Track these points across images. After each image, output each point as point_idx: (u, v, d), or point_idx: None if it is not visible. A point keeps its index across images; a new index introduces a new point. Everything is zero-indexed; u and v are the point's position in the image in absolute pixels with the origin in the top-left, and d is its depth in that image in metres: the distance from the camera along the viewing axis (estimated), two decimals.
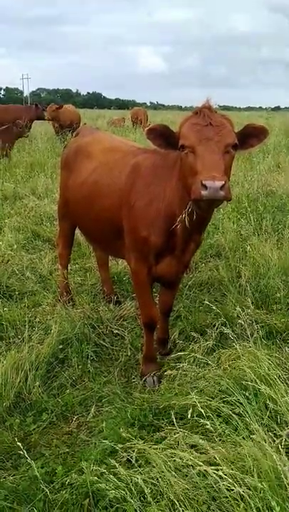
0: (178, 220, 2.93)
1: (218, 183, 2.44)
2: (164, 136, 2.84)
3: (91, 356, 3.65)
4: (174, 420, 2.62)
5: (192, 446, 2.57)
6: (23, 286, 4.85)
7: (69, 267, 4.88)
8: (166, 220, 3.07)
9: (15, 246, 5.71)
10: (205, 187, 2.45)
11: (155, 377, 3.41)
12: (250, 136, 2.84)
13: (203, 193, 2.46)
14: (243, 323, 3.30)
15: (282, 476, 2.06)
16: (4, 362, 3.31)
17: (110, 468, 2.36)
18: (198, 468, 2.10)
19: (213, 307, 3.54)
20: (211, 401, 2.80)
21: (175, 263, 3.26)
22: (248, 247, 5.17)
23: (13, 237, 6.01)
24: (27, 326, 3.82)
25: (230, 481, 1.96)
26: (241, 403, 2.64)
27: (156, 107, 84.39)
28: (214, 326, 3.76)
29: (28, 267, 5.29)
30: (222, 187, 2.44)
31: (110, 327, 4.13)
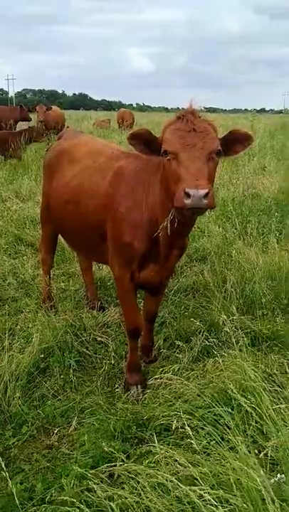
0: (160, 227, 2.87)
1: (202, 192, 2.38)
2: (146, 142, 2.77)
3: (73, 365, 3.56)
4: (158, 434, 2.56)
5: (175, 460, 2.50)
6: (4, 292, 4.75)
7: (52, 272, 4.79)
8: (149, 225, 3.01)
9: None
10: (188, 195, 2.39)
11: (139, 387, 3.34)
12: (235, 142, 2.79)
13: (186, 201, 2.40)
14: (228, 330, 3.24)
15: (265, 492, 2.00)
16: None
17: (91, 485, 2.28)
18: (180, 489, 2.02)
19: (198, 316, 3.48)
20: (195, 412, 2.75)
21: (159, 269, 3.20)
22: (234, 252, 5.13)
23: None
24: (7, 334, 3.72)
25: (213, 502, 1.89)
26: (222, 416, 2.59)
27: (142, 108, 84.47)
28: (199, 332, 3.70)
29: (10, 272, 5.19)
30: (206, 195, 2.38)
31: (94, 334, 4.04)
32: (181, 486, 1.99)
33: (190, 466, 2.20)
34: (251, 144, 2.81)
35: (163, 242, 3.01)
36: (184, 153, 2.53)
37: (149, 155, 2.81)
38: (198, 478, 2.09)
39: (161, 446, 2.51)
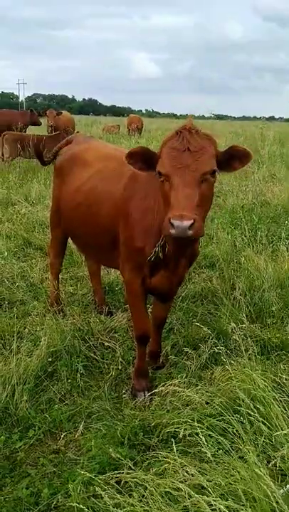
0: (152, 253, 2.94)
1: (186, 223, 2.35)
2: (144, 159, 2.74)
3: (81, 370, 3.55)
4: (165, 442, 2.54)
5: (182, 468, 2.48)
6: (12, 295, 4.75)
7: (60, 276, 4.79)
8: (159, 232, 3.00)
9: (6, 253, 5.60)
10: (173, 225, 2.38)
11: (146, 393, 3.32)
12: (234, 158, 2.73)
13: (171, 231, 2.40)
14: (237, 338, 3.22)
15: (275, 503, 1.98)
16: None
17: (98, 492, 2.26)
18: (190, 499, 1.99)
19: (207, 323, 3.46)
20: (203, 420, 2.72)
21: (169, 275, 3.18)
22: (243, 259, 5.10)
23: (4, 245, 5.91)
24: (15, 337, 3.72)
25: (223, 510, 1.87)
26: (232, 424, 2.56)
27: (151, 114, 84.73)
28: (207, 340, 3.68)
29: (18, 275, 5.19)
30: (191, 226, 2.36)
31: (101, 339, 4.03)
32: (192, 495, 1.96)
33: (199, 474, 2.17)
34: (249, 162, 2.75)
35: (170, 251, 3.00)
36: (176, 176, 2.49)
37: (148, 172, 2.76)
38: (207, 487, 2.06)
39: (169, 454, 2.50)
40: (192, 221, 2.37)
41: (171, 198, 2.47)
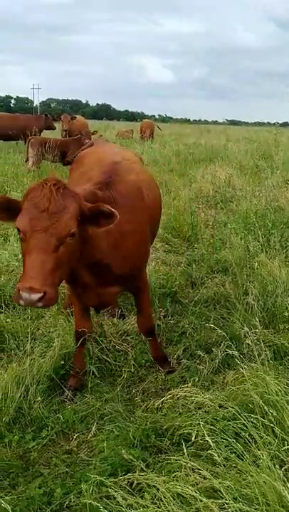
0: None
1: (34, 297, 2.30)
2: (6, 209, 2.55)
3: (93, 372, 3.57)
4: (177, 445, 2.55)
5: (194, 471, 2.48)
6: None
7: None
8: None
9: (20, 256, 5.65)
10: (22, 297, 2.32)
11: (70, 392, 3.38)
12: (101, 215, 2.61)
13: (20, 301, 2.34)
14: (250, 343, 3.21)
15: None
16: (5, 375, 3.24)
17: (110, 493, 2.28)
18: (204, 501, 2.00)
19: (218, 328, 3.46)
20: (215, 424, 2.72)
21: (90, 296, 3.21)
22: (256, 264, 5.09)
23: (19, 247, 5.95)
24: (29, 338, 3.76)
25: None
26: (246, 427, 2.56)
27: (164, 119, 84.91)
28: (220, 344, 3.68)
29: None
30: (39, 299, 2.31)
31: (113, 342, 4.06)
32: (202, 497, 1.96)
33: (211, 477, 2.17)
34: (115, 221, 2.60)
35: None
36: (31, 239, 2.39)
37: (10, 221, 2.56)
38: (221, 490, 2.07)
39: (181, 457, 2.50)
40: (42, 294, 2.31)
41: (25, 263, 2.40)
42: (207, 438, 2.23)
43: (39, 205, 2.43)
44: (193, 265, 5.58)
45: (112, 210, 2.59)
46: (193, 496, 2.09)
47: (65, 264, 2.54)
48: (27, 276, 2.35)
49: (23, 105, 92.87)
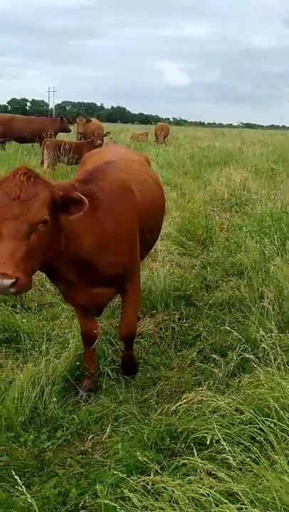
0: None
1: (6, 282, 2.30)
2: None
3: (107, 373, 3.58)
4: (192, 448, 2.54)
5: (210, 473, 2.47)
6: (42, 298, 4.83)
7: None
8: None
9: None
10: None
11: (84, 392, 3.40)
12: (71, 203, 2.63)
13: None
14: (266, 347, 3.19)
15: None
16: (21, 375, 3.27)
17: (125, 494, 2.28)
18: (219, 506, 1.99)
19: (234, 331, 3.44)
20: (230, 427, 2.71)
21: (78, 295, 3.18)
22: (272, 268, 5.06)
23: None
24: (45, 339, 3.79)
25: None
26: (263, 431, 2.54)
27: (179, 122, 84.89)
28: (235, 348, 3.66)
29: (47, 278, 5.26)
30: (12, 284, 2.31)
31: None
32: (221, 500, 1.96)
33: (229, 480, 2.16)
34: (84, 208, 2.63)
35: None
36: (2, 227, 2.39)
37: None
38: (238, 493, 2.05)
39: (196, 460, 2.50)
40: (14, 280, 2.31)
41: None
42: (222, 442, 2.22)
43: (10, 194, 2.44)
44: (208, 268, 5.57)
45: (82, 196, 2.63)
46: (209, 499, 2.07)
47: (39, 253, 2.53)
48: None
49: (39, 108, 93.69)
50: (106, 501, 2.12)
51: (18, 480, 2.08)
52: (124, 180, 3.31)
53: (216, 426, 2.64)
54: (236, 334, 3.32)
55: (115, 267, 3.13)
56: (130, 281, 3.43)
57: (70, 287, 3.11)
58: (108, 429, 3.00)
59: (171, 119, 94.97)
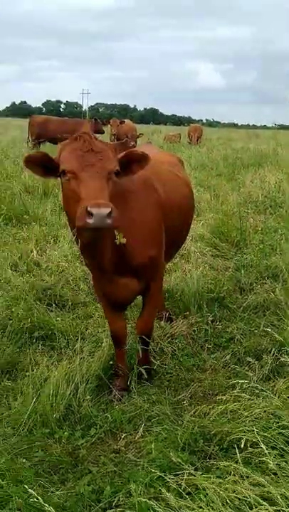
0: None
1: (105, 210, 2.37)
2: (42, 165, 2.77)
3: (141, 374, 3.59)
4: (226, 451, 2.52)
5: (243, 478, 2.45)
6: (75, 297, 4.89)
7: None
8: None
9: (69, 256, 5.78)
10: (90, 214, 2.36)
11: (117, 392, 3.41)
12: (132, 162, 2.79)
13: (89, 220, 2.38)
14: None
15: None
16: (56, 372, 3.31)
17: (159, 493, 2.28)
18: (255, 509, 1.96)
19: (269, 334, 3.40)
20: (266, 431, 2.67)
21: (106, 282, 3.22)
22: None
23: (68, 248, 6.09)
24: (79, 338, 3.83)
25: None
26: None
27: (212, 124, 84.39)
28: (270, 351, 3.61)
29: (81, 278, 5.33)
30: (108, 214, 2.38)
31: (161, 344, 4.07)
32: (260, 502, 1.93)
33: (266, 483, 2.14)
34: (147, 164, 2.81)
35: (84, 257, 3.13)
36: (84, 172, 2.52)
37: (46, 177, 2.84)
38: (278, 496, 2.03)
39: (231, 463, 2.48)
40: (110, 209, 2.38)
41: (83, 191, 2.48)
42: (262, 445, 2.19)
43: (82, 148, 2.60)
44: (242, 270, 5.51)
45: (144, 152, 2.78)
46: (247, 501, 2.05)
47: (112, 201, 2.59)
48: (91, 197, 2.43)
49: (73, 110, 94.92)
50: (141, 499, 2.12)
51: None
52: (146, 178, 3.33)
53: (251, 429, 2.62)
54: (276, 336, 3.26)
55: (142, 257, 3.18)
56: (153, 280, 3.46)
57: (102, 274, 3.17)
58: (141, 429, 3.00)
59: (204, 121, 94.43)
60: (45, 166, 2.77)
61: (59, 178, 2.73)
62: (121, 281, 3.19)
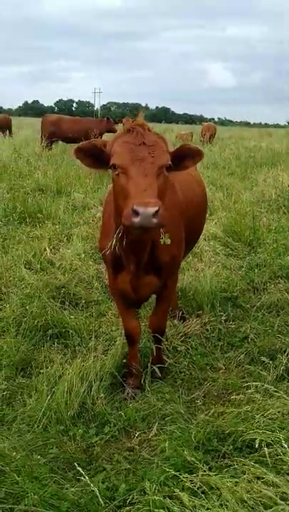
0: (108, 244, 2.88)
1: (151, 210, 2.32)
2: (93, 155, 2.73)
3: (154, 372, 3.59)
4: (240, 450, 2.52)
5: (258, 479, 2.44)
6: (89, 295, 4.90)
7: None
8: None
9: (82, 255, 5.80)
10: (137, 213, 2.33)
11: (130, 390, 3.41)
12: (185, 157, 2.73)
13: (135, 219, 2.35)
14: None
15: None
16: (70, 370, 3.33)
17: (173, 492, 2.29)
18: (270, 509, 1.96)
19: (281, 337, 3.38)
20: (280, 432, 2.66)
21: (130, 279, 3.17)
22: None
23: (82, 247, 6.11)
24: (92, 336, 3.84)
25: None
26: None
27: (224, 122, 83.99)
28: (284, 351, 3.59)
29: (94, 276, 5.35)
30: (155, 214, 2.33)
31: (174, 343, 4.07)
32: (278, 503, 1.93)
33: (281, 483, 2.13)
34: (201, 159, 2.76)
35: (122, 254, 3.02)
36: (134, 167, 2.45)
37: (97, 169, 2.77)
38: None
39: (245, 462, 2.47)
40: (156, 208, 2.33)
41: (131, 188, 2.43)
42: (284, 444, 2.17)
43: (134, 141, 2.54)
44: (255, 270, 5.49)
45: (199, 147, 2.73)
46: (260, 501, 2.04)
47: (162, 198, 2.55)
48: (139, 195, 2.38)
49: (85, 109, 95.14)
50: (156, 498, 2.12)
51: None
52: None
53: (265, 429, 2.61)
54: (283, 342, 3.24)
55: (166, 254, 3.16)
56: (171, 278, 3.47)
57: (132, 271, 3.13)
58: (155, 428, 3.01)
59: (216, 119, 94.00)
60: (95, 157, 2.73)
61: (110, 171, 2.68)
62: (144, 278, 3.18)
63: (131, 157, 2.49)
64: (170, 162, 2.58)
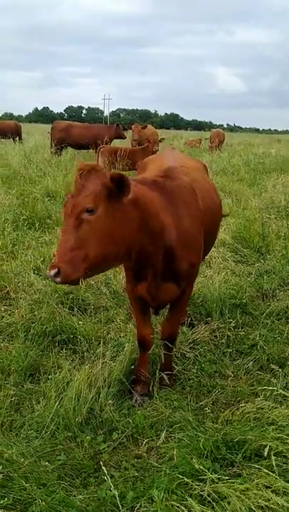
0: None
1: (49, 274, 2.57)
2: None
3: (162, 379, 3.58)
4: (249, 459, 2.49)
5: (267, 487, 2.42)
6: (97, 301, 4.90)
7: None
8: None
9: None
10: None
11: (139, 397, 3.41)
12: (119, 186, 2.69)
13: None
14: None
15: None
16: (78, 376, 3.33)
17: (182, 500, 2.27)
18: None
19: None
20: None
21: (147, 286, 3.20)
22: None
23: None
24: (101, 342, 3.84)
25: None
26: None
27: (233, 129, 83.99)
28: None
29: (102, 282, 5.34)
30: (56, 274, 2.55)
31: (182, 350, 4.05)
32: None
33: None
34: (126, 186, 2.67)
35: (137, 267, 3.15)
36: (62, 224, 2.71)
37: None
38: None
39: (254, 471, 2.45)
40: (56, 270, 2.55)
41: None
42: (287, 454, 2.15)
43: (69, 193, 2.72)
44: (265, 276, 5.46)
45: (121, 173, 2.72)
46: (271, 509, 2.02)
47: (94, 243, 2.63)
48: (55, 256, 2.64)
49: (94, 115, 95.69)
50: (164, 505, 2.11)
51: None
52: (191, 184, 3.38)
53: (275, 438, 2.59)
54: None
55: (187, 262, 3.22)
56: (188, 286, 3.47)
57: (146, 279, 3.19)
58: (163, 435, 2.99)
59: (225, 126, 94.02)
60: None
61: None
62: (163, 286, 3.22)
63: (63, 213, 2.72)
64: (89, 206, 2.61)
